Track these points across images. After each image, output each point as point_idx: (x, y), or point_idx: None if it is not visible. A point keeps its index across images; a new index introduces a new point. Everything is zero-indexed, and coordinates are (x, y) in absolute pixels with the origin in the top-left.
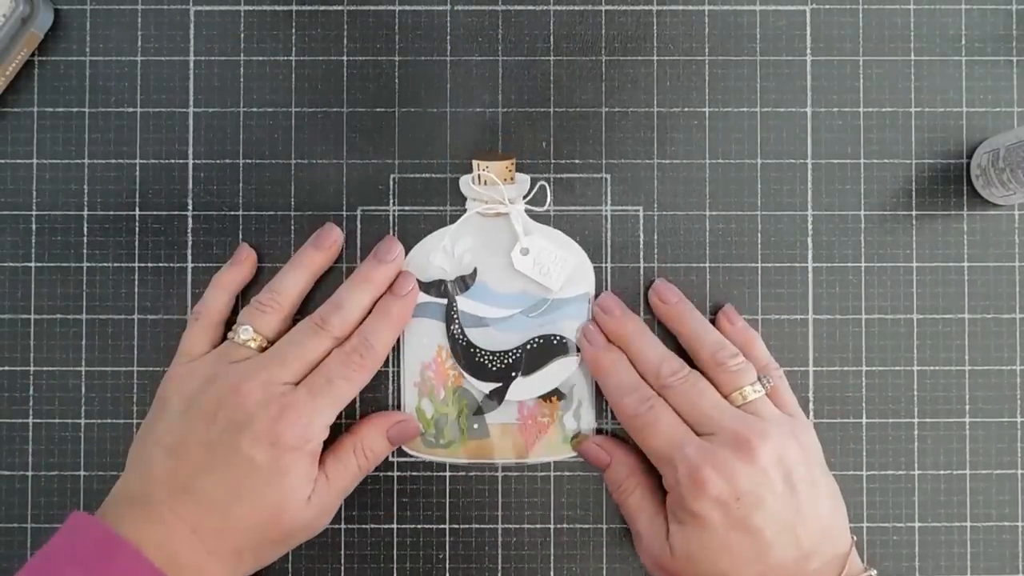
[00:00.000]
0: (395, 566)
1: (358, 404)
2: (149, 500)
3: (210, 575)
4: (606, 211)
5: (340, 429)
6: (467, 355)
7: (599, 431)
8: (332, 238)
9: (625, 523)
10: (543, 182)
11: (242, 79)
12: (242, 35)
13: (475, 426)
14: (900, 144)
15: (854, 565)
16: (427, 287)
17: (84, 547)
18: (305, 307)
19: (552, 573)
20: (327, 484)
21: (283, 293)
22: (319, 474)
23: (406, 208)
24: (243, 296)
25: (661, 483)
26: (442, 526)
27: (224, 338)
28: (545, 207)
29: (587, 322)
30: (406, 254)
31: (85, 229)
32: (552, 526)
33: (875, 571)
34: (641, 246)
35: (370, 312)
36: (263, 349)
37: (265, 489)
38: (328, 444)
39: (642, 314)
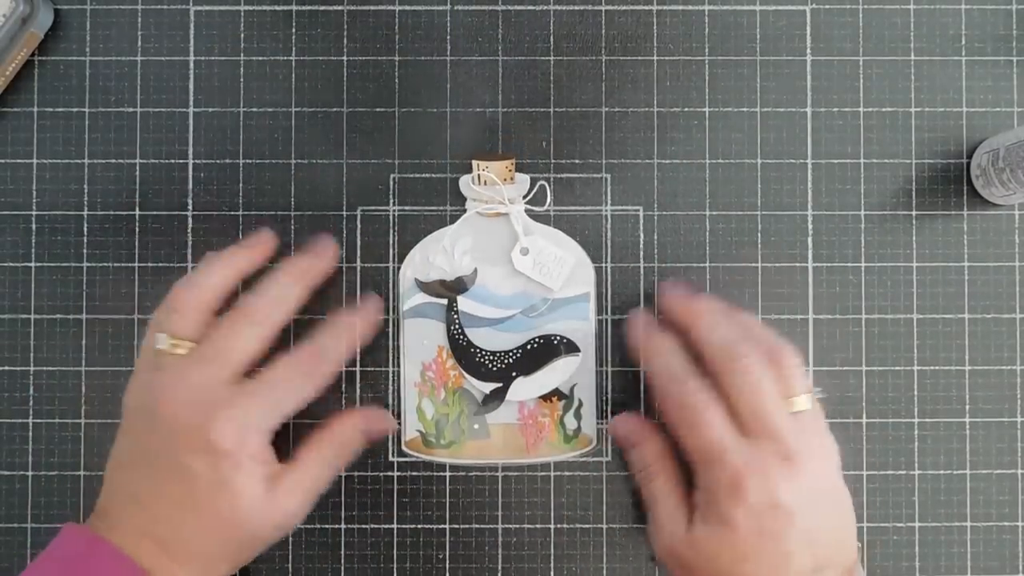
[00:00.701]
0: (395, 566)
1: (358, 404)
2: (107, 514)
3: None
4: (606, 211)
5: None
6: (467, 355)
7: (601, 431)
8: (264, 240)
9: (625, 523)
10: (543, 182)
11: (242, 79)
12: (242, 35)
13: (475, 426)
14: (900, 144)
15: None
16: (427, 287)
17: (66, 548)
18: (305, 304)
19: (552, 573)
20: (296, 480)
21: (200, 288)
22: (290, 472)
23: (406, 208)
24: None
25: (686, 469)
26: (442, 526)
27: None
28: (545, 207)
29: (637, 310)
30: (405, 254)
31: (85, 229)
32: (552, 526)
33: None
34: (641, 246)
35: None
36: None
37: (211, 499)
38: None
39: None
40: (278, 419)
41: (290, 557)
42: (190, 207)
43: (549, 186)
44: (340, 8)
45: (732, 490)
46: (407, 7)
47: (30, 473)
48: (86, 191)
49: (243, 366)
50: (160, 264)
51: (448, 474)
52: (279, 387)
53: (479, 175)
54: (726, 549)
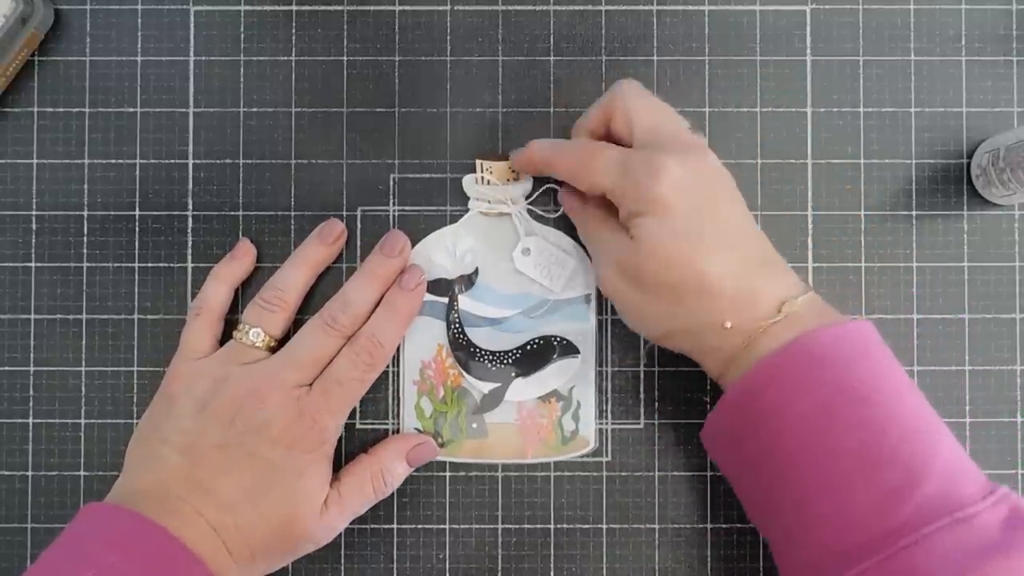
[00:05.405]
0: (395, 566)
1: (358, 405)
2: (166, 494)
3: (228, 574)
4: None
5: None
6: (467, 354)
7: (600, 431)
8: (336, 232)
9: (625, 523)
10: (552, 184)
11: (242, 79)
12: (242, 35)
13: (474, 425)
14: (900, 144)
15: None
16: (429, 285)
17: (115, 531)
18: (305, 303)
19: (552, 573)
20: (339, 500)
21: (287, 290)
22: (332, 490)
23: (406, 208)
24: (240, 291)
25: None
26: (442, 526)
27: (225, 334)
28: (555, 211)
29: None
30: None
31: (85, 229)
32: (552, 526)
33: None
34: None
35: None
36: (271, 348)
37: (281, 491)
38: (341, 462)
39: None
40: (349, 411)
41: None
42: (190, 207)
43: (549, 187)
44: (340, 8)
45: (652, 172)
46: (407, 7)
47: (30, 473)
48: (86, 191)
49: (322, 368)
50: (160, 264)
51: (448, 474)
52: (347, 385)
53: (482, 176)
54: (665, 231)
